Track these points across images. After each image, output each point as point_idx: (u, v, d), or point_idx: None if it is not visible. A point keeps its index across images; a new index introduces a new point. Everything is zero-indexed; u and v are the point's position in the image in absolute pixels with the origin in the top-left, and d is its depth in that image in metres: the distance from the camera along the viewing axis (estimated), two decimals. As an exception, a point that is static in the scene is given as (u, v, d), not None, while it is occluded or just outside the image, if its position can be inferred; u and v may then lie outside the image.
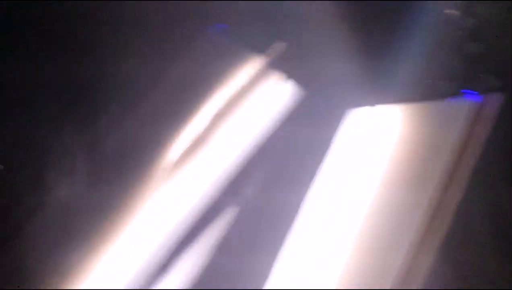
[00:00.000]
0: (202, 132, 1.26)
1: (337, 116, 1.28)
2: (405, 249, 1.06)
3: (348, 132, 1.26)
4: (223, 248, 1.19)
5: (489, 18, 1.30)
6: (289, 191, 1.25)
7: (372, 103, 1.25)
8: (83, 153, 1.23)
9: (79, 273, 1.13)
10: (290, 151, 1.28)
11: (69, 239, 1.15)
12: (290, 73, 1.30)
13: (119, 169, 1.25)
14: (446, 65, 1.25)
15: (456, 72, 1.23)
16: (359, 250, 1.12)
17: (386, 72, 1.27)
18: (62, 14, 1.32)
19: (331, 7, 1.30)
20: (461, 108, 1.17)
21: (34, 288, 1.11)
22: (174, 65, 1.32)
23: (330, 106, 1.28)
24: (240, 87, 1.30)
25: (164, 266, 1.15)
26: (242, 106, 1.30)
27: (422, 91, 1.23)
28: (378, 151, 1.21)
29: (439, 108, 1.20)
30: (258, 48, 1.33)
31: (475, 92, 1.19)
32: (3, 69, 1.26)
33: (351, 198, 1.20)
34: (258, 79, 1.31)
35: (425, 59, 1.23)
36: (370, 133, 1.24)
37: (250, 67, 1.32)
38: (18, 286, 1.12)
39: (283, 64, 1.31)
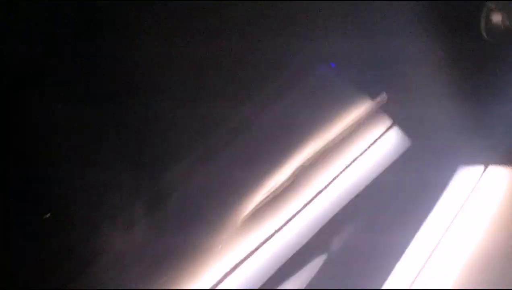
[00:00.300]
0: (291, 179, 1.19)
1: (445, 172, 1.25)
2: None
3: (456, 189, 1.23)
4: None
5: None
6: (387, 243, 1.20)
7: (485, 162, 1.23)
8: (145, 202, 1.13)
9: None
10: (391, 203, 1.23)
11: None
12: (398, 121, 1.25)
13: (186, 219, 1.16)
14: None
15: None
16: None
17: (502, 128, 1.25)
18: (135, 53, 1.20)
19: (445, 53, 1.26)
20: None
21: None
22: (268, 109, 1.25)
23: (439, 161, 1.25)
24: (342, 132, 1.25)
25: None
26: (343, 153, 1.25)
27: None
28: (485, 213, 1.19)
29: None
30: (366, 91, 1.28)
31: None
32: (61, 106, 1.16)
33: (451, 257, 1.17)
34: (362, 125, 1.27)
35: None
36: (479, 193, 1.21)
37: (355, 111, 1.27)
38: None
39: (391, 111, 1.26)
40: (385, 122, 1.25)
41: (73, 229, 1.09)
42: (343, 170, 1.23)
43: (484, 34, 1.24)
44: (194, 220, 1.14)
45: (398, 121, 1.24)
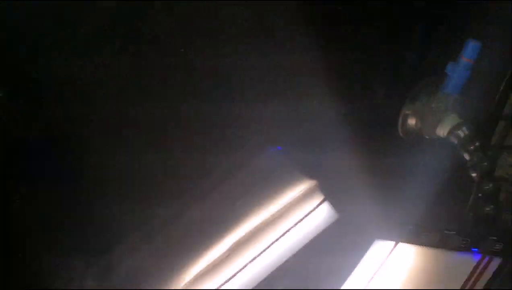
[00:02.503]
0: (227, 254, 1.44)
1: (363, 244, 1.49)
2: None
3: (369, 261, 1.47)
4: None
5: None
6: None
7: (396, 239, 1.47)
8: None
9: None
10: (316, 267, 1.49)
11: None
12: (329, 198, 1.51)
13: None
14: (464, 222, 1.46)
15: (469, 230, 1.43)
16: None
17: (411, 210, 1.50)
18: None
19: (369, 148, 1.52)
20: (467, 262, 1.37)
21: None
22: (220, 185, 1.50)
23: (359, 234, 1.50)
24: (279, 209, 1.50)
25: None
26: (277, 227, 1.49)
27: (439, 239, 1.42)
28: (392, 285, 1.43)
29: (449, 257, 1.41)
30: (304, 172, 1.53)
31: (481, 252, 1.38)
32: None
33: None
34: (299, 202, 1.52)
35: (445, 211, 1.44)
36: (389, 265, 1.46)
37: (294, 189, 1.53)
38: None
39: (324, 189, 1.52)
40: (318, 198, 1.51)
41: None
42: (279, 237, 1.49)
43: (401, 135, 1.50)
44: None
45: (329, 197, 1.50)
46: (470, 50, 1.37)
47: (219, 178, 1.53)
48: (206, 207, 1.54)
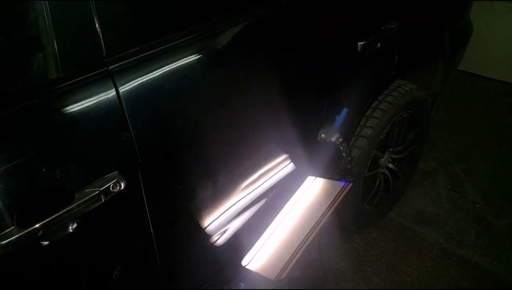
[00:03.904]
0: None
1: (300, 179, 2.65)
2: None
3: (302, 189, 2.58)
4: None
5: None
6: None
7: (315, 175, 3.31)
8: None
9: None
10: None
11: None
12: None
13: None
14: (339, 169, 3.27)
15: (341, 172, 3.12)
16: None
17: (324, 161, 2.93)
18: None
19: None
20: (339, 185, 2.44)
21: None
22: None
23: (299, 173, 2.84)
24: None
25: None
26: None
27: (331, 176, 3.22)
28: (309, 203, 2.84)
29: (333, 183, 2.50)
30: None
31: (344, 180, 2.49)
32: None
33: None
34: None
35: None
36: (311, 190, 3.18)
37: None
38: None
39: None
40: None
41: None
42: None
43: (319, 139, 2.63)
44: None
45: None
46: (343, 112, 2.75)
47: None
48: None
